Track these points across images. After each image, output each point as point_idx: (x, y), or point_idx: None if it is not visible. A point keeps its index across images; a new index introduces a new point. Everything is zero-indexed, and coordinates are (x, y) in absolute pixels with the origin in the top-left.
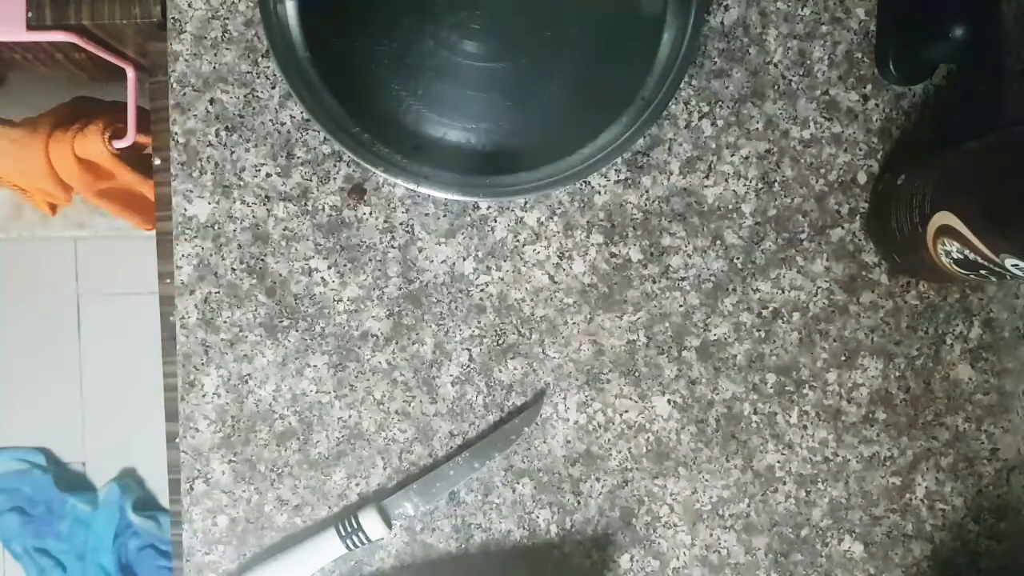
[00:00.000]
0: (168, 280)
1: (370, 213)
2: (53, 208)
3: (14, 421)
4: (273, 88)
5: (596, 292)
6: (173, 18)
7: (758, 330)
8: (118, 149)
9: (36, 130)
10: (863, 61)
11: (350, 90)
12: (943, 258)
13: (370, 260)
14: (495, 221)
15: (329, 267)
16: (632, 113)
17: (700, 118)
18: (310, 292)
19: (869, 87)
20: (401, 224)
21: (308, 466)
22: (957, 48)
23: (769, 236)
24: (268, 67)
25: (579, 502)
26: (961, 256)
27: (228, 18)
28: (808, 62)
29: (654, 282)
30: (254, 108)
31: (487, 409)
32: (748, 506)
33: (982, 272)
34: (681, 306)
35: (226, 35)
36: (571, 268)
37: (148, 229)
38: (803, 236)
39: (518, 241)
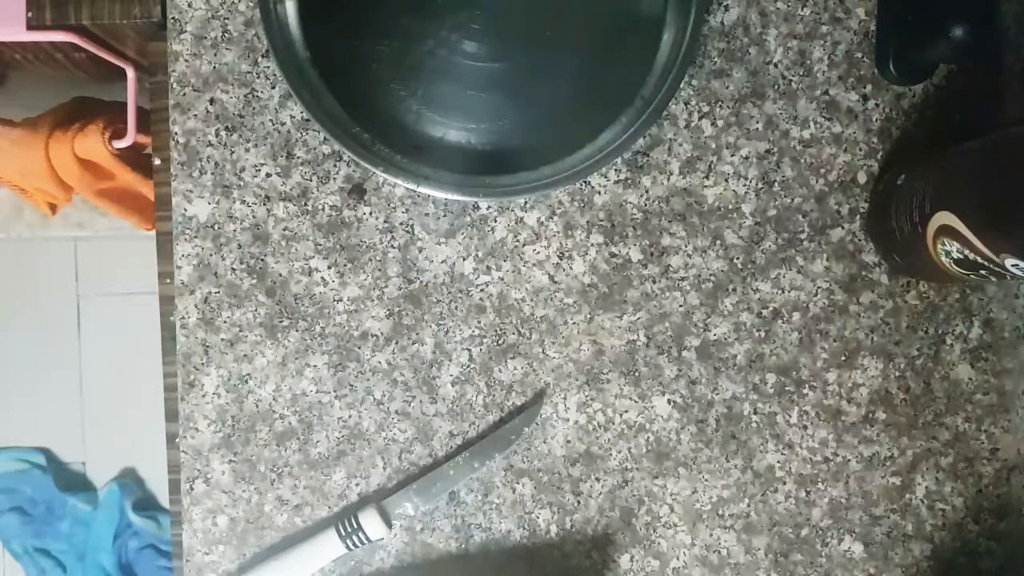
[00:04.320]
0: (168, 280)
1: (370, 213)
2: (53, 208)
3: (14, 421)
4: (273, 88)
5: (596, 292)
6: (173, 18)
7: (758, 330)
8: (118, 149)
9: (36, 130)
10: (863, 61)
11: (350, 90)
12: (943, 258)
13: (370, 260)
14: (495, 221)
15: (329, 267)
16: (632, 113)
17: (700, 118)
18: (310, 292)
19: (869, 87)
20: (401, 224)
21: (308, 466)
22: (957, 48)
23: (769, 236)
24: (268, 67)
25: (579, 502)
26: (961, 256)
27: (228, 18)
28: (808, 62)
29: (654, 282)
30: (254, 108)
31: (487, 409)
32: (748, 506)
33: (982, 272)
34: (681, 306)
35: (226, 35)
36: (571, 268)
37: (148, 229)
38: (803, 236)
39: (518, 241)
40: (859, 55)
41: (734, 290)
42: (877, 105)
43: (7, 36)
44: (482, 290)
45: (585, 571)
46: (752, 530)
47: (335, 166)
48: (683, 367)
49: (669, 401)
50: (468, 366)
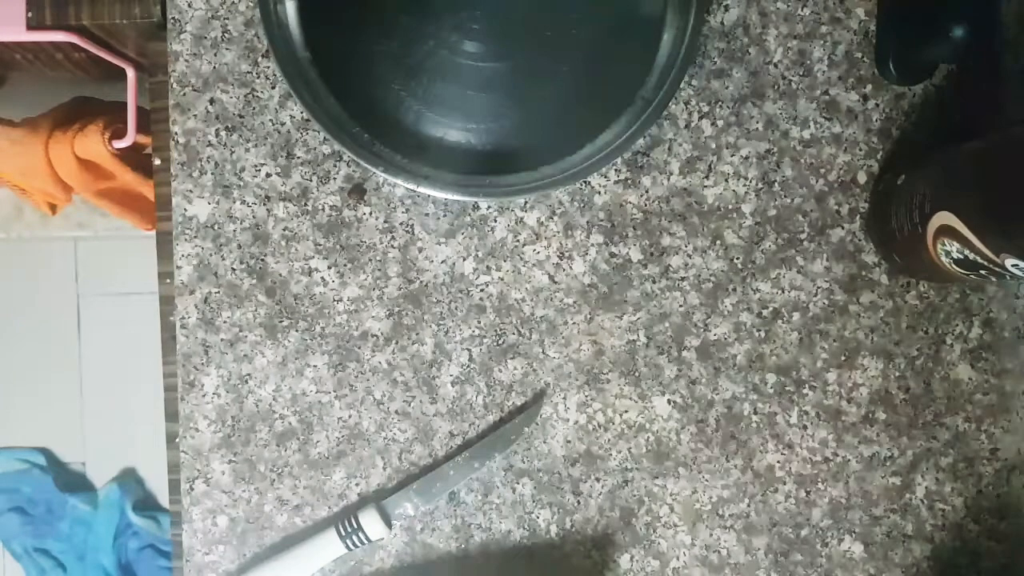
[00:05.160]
0: (168, 280)
1: (370, 213)
2: (53, 208)
3: (14, 421)
4: (273, 88)
5: (596, 292)
6: (173, 18)
7: (758, 330)
8: (118, 149)
9: (36, 130)
10: (863, 61)
11: (350, 90)
12: (943, 258)
13: (370, 260)
14: (495, 221)
15: (329, 267)
16: (632, 113)
17: (700, 118)
18: (310, 292)
19: (869, 87)
20: (401, 224)
21: (308, 466)
22: (957, 48)
23: (769, 236)
24: (268, 67)
25: (579, 502)
26: (961, 256)
27: (228, 18)
28: (808, 62)
29: (654, 282)
30: (254, 108)
31: (487, 409)
32: (748, 506)
33: (982, 272)
34: (681, 306)
35: (226, 35)
36: (571, 268)
37: (148, 229)
38: (803, 236)
39: (518, 241)
40: (859, 55)
41: (734, 290)
42: (877, 105)
43: (7, 36)
44: (482, 290)
45: (585, 571)
46: (752, 530)
47: (335, 166)
48: (683, 367)
49: (669, 401)
50: (468, 366)
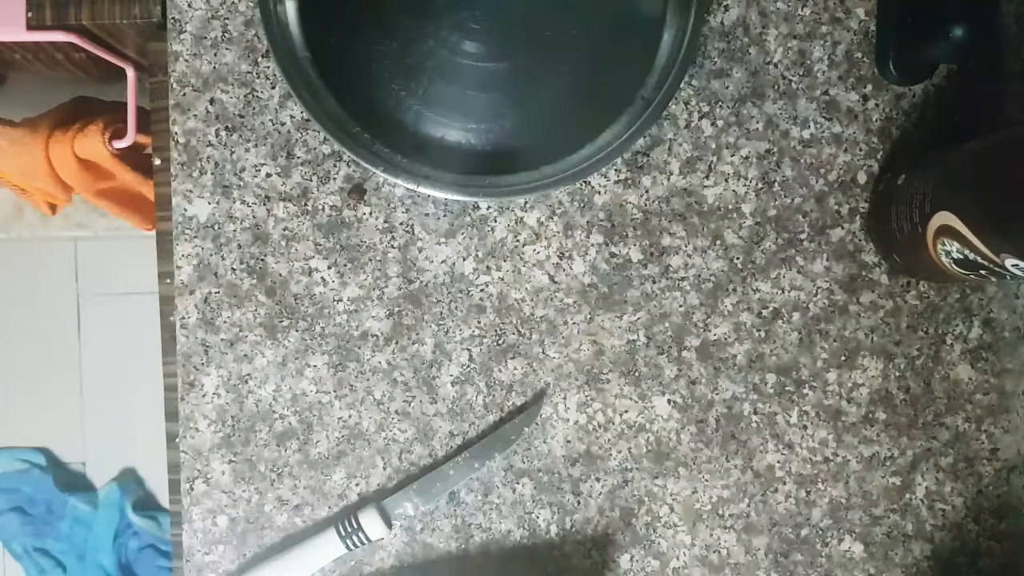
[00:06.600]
0: (168, 280)
1: (370, 213)
2: (53, 208)
3: (14, 421)
4: (273, 88)
5: (596, 292)
6: (173, 18)
7: (758, 330)
8: (118, 149)
9: (36, 130)
10: (863, 61)
11: (350, 90)
12: (943, 258)
13: (370, 260)
14: (495, 221)
15: (329, 267)
16: (632, 113)
17: (700, 118)
18: (310, 292)
19: (869, 87)
20: (401, 224)
21: (308, 466)
22: (957, 48)
23: (769, 236)
24: (268, 67)
25: (579, 502)
26: (961, 256)
27: (228, 18)
28: (808, 62)
29: (654, 282)
30: (254, 108)
31: (487, 409)
32: (748, 506)
33: (982, 272)
34: (681, 306)
35: (226, 35)
36: (571, 268)
37: (148, 229)
38: (803, 236)
39: (518, 241)
40: (859, 55)
41: (734, 290)
42: (877, 105)
43: (7, 36)
44: (482, 290)
45: (585, 571)
46: (752, 530)
47: (335, 166)
48: (683, 367)
49: (669, 401)
50: (468, 366)
